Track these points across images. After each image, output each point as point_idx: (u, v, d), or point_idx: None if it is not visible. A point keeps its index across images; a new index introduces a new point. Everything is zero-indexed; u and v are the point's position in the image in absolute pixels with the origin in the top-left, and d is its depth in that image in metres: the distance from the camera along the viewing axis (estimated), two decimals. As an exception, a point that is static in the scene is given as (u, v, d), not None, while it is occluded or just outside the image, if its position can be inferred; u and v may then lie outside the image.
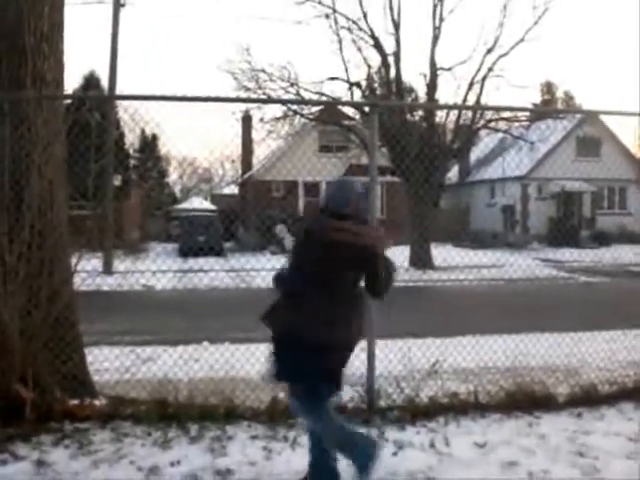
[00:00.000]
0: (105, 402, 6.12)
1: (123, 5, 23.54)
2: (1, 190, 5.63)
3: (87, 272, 6.61)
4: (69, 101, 7.43)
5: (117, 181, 23.63)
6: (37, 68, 5.98)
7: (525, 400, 6.43)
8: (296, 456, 5.18)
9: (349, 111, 28.05)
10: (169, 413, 5.94)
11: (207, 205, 47.99)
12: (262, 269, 18.55)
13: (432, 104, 24.15)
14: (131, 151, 39.64)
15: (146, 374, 7.05)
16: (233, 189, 50.79)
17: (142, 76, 59.32)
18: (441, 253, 21.81)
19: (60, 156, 6.11)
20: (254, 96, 24.61)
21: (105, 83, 25.71)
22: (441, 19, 24.51)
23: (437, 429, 5.85)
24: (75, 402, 5.95)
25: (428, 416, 6.11)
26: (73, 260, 6.19)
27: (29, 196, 5.69)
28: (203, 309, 12.84)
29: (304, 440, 5.43)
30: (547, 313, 10.49)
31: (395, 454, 5.29)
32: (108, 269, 20.31)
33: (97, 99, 18.97)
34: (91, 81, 33.02)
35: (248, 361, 7.28)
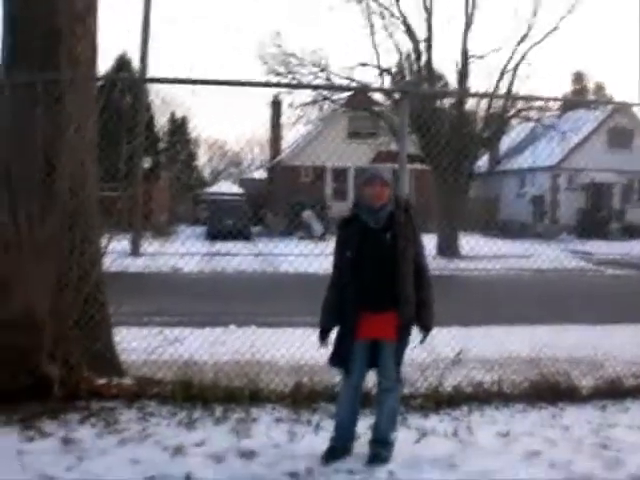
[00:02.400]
0: (132, 382, 6.20)
1: (156, -13, 23.60)
2: (34, 170, 5.69)
3: (116, 253, 6.65)
4: (101, 83, 7.48)
5: (147, 163, 23.77)
6: (70, 49, 6.04)
7: (549, 391, 6.43)
8: (319, 439, 5.22)
9: (379, 97, 27.96)
10: (194, 394, 6.01)
11: (235, 189, 48.10)
12: (289, 254, 18.63)
13: (463, 92, 24.00)
14: (161, 134, 39.84)
15: (173, 355, 7.11)
16: (262, 173, 50.81)
17: (174, 59, 59.44)
18: (469, 242, 21.67)
19: (92, 137, 6.17)
20: (284, 81, 24.62)
21: (137, 65, 25.84)
22: (474, 6, 24.35)
23: (460, 418, 5.87)
24: (102, 381, 6.04)
25: (452, 405, 6.14)
26: (103, 241, 6.25)
27: (61, 176, 5.76)
28: (230, 292, 12.90)
29: (327, 424, 5.49)
30: (574, 305, 10.40)
31: (418, 441, 5.32)
32: (136, 251, 20.45)
33: (129, 81, 19.09)
34: (123, 63, 33.18)
35: (274, 345, 7.33)
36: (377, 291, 4.71)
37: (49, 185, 5.74)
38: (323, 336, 4.90)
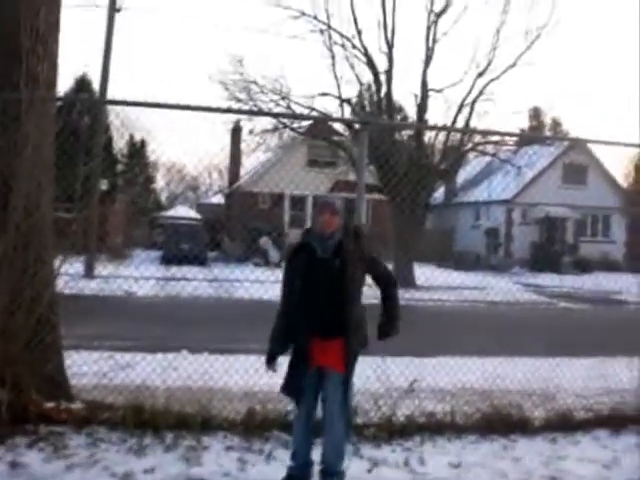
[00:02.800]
0: (82, 406, 6.09)
1: (118, 10, 23.54)
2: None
3: (70, 275, 6.57)
4: (60, 103, 7.42)
5: (104, 185, 23.55)
6: (31, 69, 5.98)
7: (501, 423, 6.48)
8: (270, 469, 5.20)
9: (339, 127, 28.18)
10: (145, 420, 5.93)
11: (193, 214, 47.88)
12: (245, 280, 18.54)
13: (422, 125, 24.27)
14: (119, 156, 39.53)
15: (124, 380, 7.03)
16: (219, 199, 50.70)
17: (133, 82, 59.21)
18: (424, 273, 21.84)
19: (49, 158, 6.11)
20: (245, 107, 24.67)
21: (96, 86, 25.68)
22: (434, 40, 24.72)
23: (413, 448, 5.88)
24: (52, 405, 5.92)
25: (404, 435, 6.14)
26: (57, 262, 6.17)
27: (16, 196, 5.68)
28: (184, 318, 12.80)
29: (279, 453, 5.46)
30: (526, 337, 10.53)
31: (370, 471, 5.32)
32: (90, 273, 20.21)
33: (88, 102, 18.96)
34: (82, 84, 32.91)
35: (227, 372, 7.27)
36: (325, 319, 4.72)
37: (3, 205, 5.66)
38: (270, 361, 4.91)
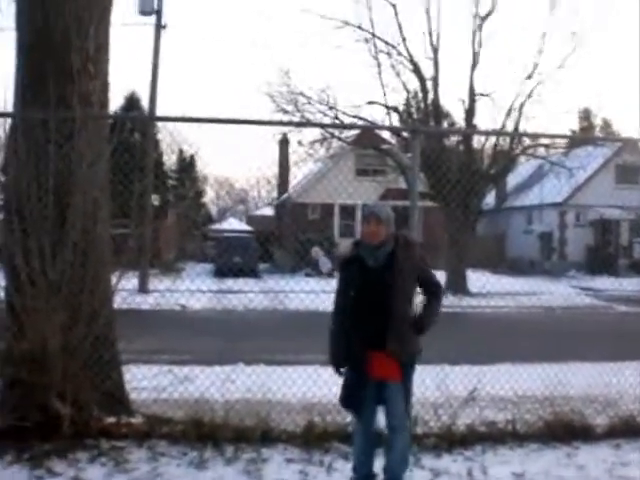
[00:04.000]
0: (142, 421, 6.14)
1: (164, 27, 23.89)
2: (45, 208, 5.70)
3: (126, 291, 6.65)
4: (111, 121, 7.53)
5: (156, 201, 23.84)
6: (83, 88, 6.08)
7: (563, 430, 6.34)
8: (332, 480, 5.15)
9: (386, 135, 28.11)
10: (205, 433, 5.95)
11: (243, 226, 48.24)
12: (297, 291, 18.58)
13: (471, 130, 24.10)
14: (169, 172, 40.04)
15: (183, 394, 7.06)
16: (269, 211, 50.99)
17: (182, 97, 60.04)
18: (479, 279, 21.63)
19: (104, 175, 6.19)
20: (292, 119, 24.78)
21: (145, 104, 26.06)
22: (480, 45, 24.54)
23: (474, 458, 5.79)
24: (112, 420, 5.98)
25: (465, 444, 6.05)
26: (114, 279, 6.24)
27: (73, 214, 5.76)
28: (238, 330, 12.87)
29: (340, 465, 5.43)
30: (586, 342, 10.33)
31: (432, 482, 5.25)
32: (144, 288, 20.46)
33: (139, 120, 19.23)
34: (132, 102, 33.46)
35: (285, 383, 7.27)
36: (378, 330, 4.65)
37: (61, 223, 5.74)
38: (339, 372, 4.87)
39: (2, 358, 5.72)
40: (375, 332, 4.65)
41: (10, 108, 6.25)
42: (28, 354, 5.59)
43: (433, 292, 4.91)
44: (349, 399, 4.77)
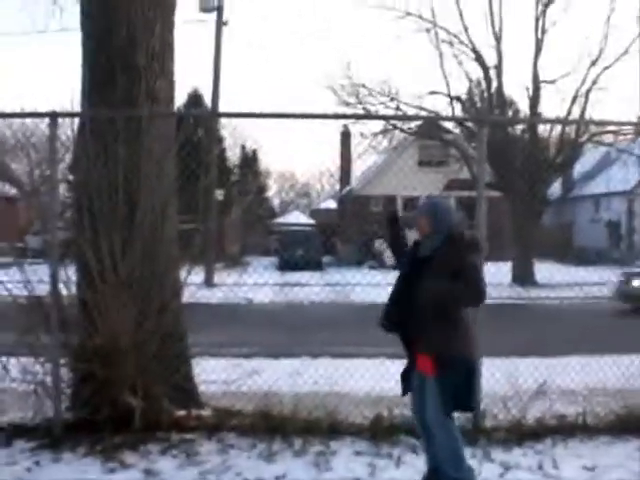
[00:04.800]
0: (211, 413, 6.23)
1: (225, 24, 24.09)
2: (115, 205, 5.81)
3: (193, 285, 6.73)
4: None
5: (220, 196, 24.12)
6: (149, 86, 6.18)
7: (635, 423, 6.20)
8: (400, 473, 5.15)
9: (449, 125, 27.83)
10: (274, 426, 6.00)
11: (306, 219, 48.42)
12: (360, 284, 18.56)
13: (537, 118, 23.70)
14: (233, 167, 40.46)
15: (251, 387, 7.14)
16: (331, 204, 51.04)
17: (244, 92, 60.46)
18: (546, 269, 21.30)
19: (171, 172, 6.27)
20: (354, 111, 24.73)
21: (208, 100, 26.32)
22: (543, 31, 24.07)
23: (544, 451, 5.70)
24: (182, 413, 6.08)
25: (535, 438, 5.97)
26: (182, 273, 6.33)
27: (142, 211, 5.86)
28: (303, 322, 12.92)
29: (408, 458, 5.41)
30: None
31: (502, 476, 5.20)
32: (210, 282, 20.73)
33: (204, 116, 19.40)
34: (195, 98, 33.86)
35: (352, 377, 7.28)
36: (413, 319, 4.61)
37: (130, 219, 5.84)
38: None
39: (75, 353, 5.85)
40: (412, 321, 4.62)
41: (78, 108, 6.38)
42: (100, 349, 5.71)
43: (470, 296, 4.53)
44: (402, 377, 4.81)
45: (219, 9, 23.75)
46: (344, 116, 17.30)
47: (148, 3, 6.18)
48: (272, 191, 59.09)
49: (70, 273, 5.95)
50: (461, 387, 4.54)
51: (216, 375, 7.18)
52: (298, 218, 48.72)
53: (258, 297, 17.99)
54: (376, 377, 7.02)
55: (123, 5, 6.10)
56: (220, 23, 23.90)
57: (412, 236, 4.87)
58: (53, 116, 5.84)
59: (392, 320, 4.68)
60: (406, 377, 4.78)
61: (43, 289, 5.87)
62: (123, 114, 5.93)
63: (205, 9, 23.61)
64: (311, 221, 46.83)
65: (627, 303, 16.09)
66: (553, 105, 40.35)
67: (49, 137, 5.87)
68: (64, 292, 5.90)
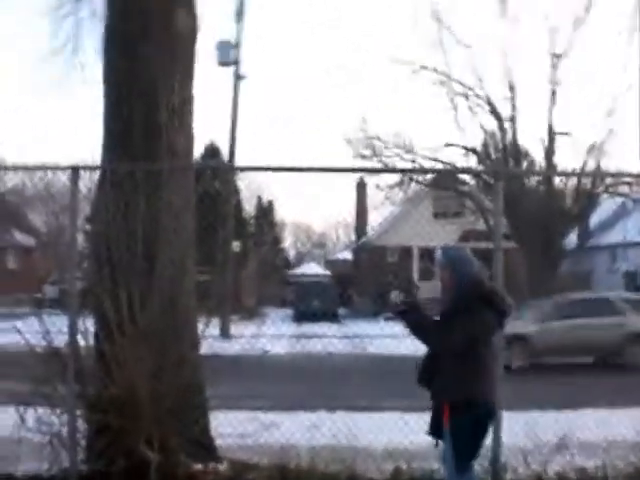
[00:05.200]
0: (228, 467, 6.16)
1: (243, 77, 24.46)
2: (134, 257, 5.85)
3: (212, 337, 6.73)
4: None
5: (237, 248, 24.20)
6: (169, 141, 6.26)
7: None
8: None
9: (464, 177, 27.96)
10: (291, 479, 5.93)
11: (321, 270, 48.45)
12: (377, 335, 18.48)
13: (553, 171, 23.77)
14: (249, 218, 40.70)
15: (268, 440, 7.08)
16: (347, 254, 51.09)
17: (260, 144, 61.19)
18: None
19: (190, 224, 6.32)
20: (370, 163, 24.93)
21: (225, 152, 26.58)
22: (558, 83, 24.27)
23: (565, 506, 5.60)
24: (199, 466, 6.01)
25: (556, 492, 5.87)
26: (200, 325, 6.33)
27: (161, 263, 5.90)
28: (319, 374, 12.85)
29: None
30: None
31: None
32: (226, 333, 20.68)
33: (222, 169, 19.48)
34: (212, 150, 34.19)
35: (370, 430, 7.20)
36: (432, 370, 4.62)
37: (149, 271, 5.88)
38: None
39: (91, 404, 5.84)
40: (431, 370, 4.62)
41: (98, 160, 6.48)
42: (116, 400, 5.69)
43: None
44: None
45: (237, 63, 24.15)
46: (361, 170, 17.49)
47: (169, 58, 6.30)
48: (287, 242, 59.32)
49: (88, 324, 5.97)
50: (475, 436, 4.51)
51: (232, 428, 7.13)
52: (314, 269, 48.76)
53: (274, 348, 17.92)
54: (394, 430, 6.94)
55: (145, 60, 6.22)
56: (238, 77, 24.27)
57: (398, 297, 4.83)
58: (75, 169, 5.92)
59: (426, 376, 4.66)
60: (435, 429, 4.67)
61: (60, 339, 5.88)
62: (143, 168, 6.01)
63: (223, 63, 23.99)
64: (327, 272, 46.83)
65: None
66: (568, 155, 40.36)
67: (70, 190, 5.95)
68: (82, 343, 5.90)
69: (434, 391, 4.59)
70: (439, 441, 4.65)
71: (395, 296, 4.84)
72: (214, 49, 23.62)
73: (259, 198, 45.76)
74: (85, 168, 6.14)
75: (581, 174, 25.12)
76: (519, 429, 6.83)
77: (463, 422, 4.45)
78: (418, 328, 4.57)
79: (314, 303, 28.64)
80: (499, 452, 5.91)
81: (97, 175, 6.39)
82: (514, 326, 13.32)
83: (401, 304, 4.71)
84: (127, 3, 6.33)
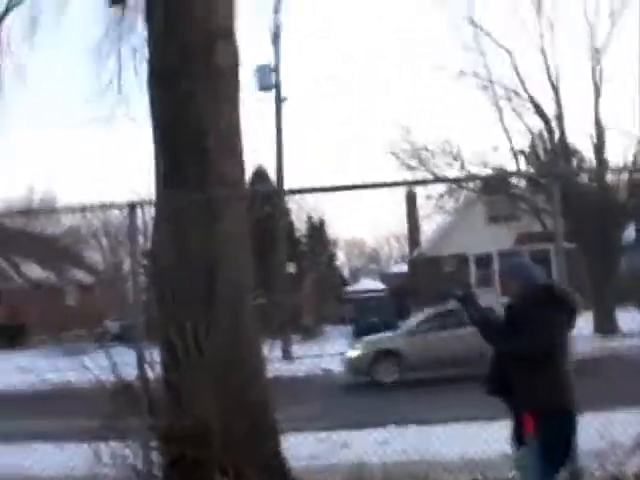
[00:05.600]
0: (303, 489, 6.16)
1: (284, 100, 24.64)
2: (197, 284, 5.93)
3: (276, 359, 6.77)
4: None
5: (291, 269, 24.31)
6: (220, 169, 6.32)
7: None
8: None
9: (514, 179, 27.64)
10: (366, 498, 5.92)
11: (377, 285, 48.31)
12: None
13: (606, 168, 23.36)
14: (301, 239, 40.85)
15: (340, 459, 7.07)
16: (403, 267, 50.86)
17: (306, 164, 61.57)
18: (634, 318, 20.70)
19: (247, 250, 6.38)
20: (417, 173, 24.82)
21: (271, 174, 26.75)
22: (601, 77, 23.90)
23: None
24: (274, 491, 6.02)
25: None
26: (264, 348, 6.37)
27: (221, 291, 5.97)
28: (383, 392, 12.81)
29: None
30: None
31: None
32: (288, 355, 20.73)
33: (273, 194, 19.55)
34: (260, 175, 34.40)
35: (443, 443, 7.15)
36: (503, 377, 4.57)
37: (211, 297, 5.96)
38: None
39: (164, 436, 5.89)
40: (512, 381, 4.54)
41: (153, 194, 6.57)
42: (190, 431, 5.74)
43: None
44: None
45: (277, 87, 24.34)
46: (407, 183, 17.35)
47: (215, 87, 6.37)
48: (340, 259, 59.32)
49: (154, 356, 6.05)
50: (563, 445, 4.43)
51: (304, 449, 7.14)
52: (370, 285, 48.67)
53: (336, 367, 17.88)
54: (466, 441, 6.88)
55: (190, 92, 6.30)
56: (279, 100, 24.46)
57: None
58: (132, 206, 6.03)
59: (497, 385, 4.62)
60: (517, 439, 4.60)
61: (127, 373, 5.96)
62: (197, 199, 6.09)
63: (263, 88, 24.18)
64: (382, 286, 46.67)
65: None
66: (619, 148, 39.59)
67: (128, 226, 6.06)
68: (149, 374, 5.99)
69: (518, 400, 4.52)
70: (518, 448, 4.60)
71: (453, 306, 4.88)
72: (252, 74, 23.78)
73: (309, 217, 45.89)
74: (141, 204, 6.24)
75: (633, 169, 24.65)
76: (593, 431, 6.70)
77: (555, 428, 4.39)
78: (489, 329, 4.57)
79: (372, 318, 28.57)
80: (576, 456, 5.79)
81: (152, 210, 6.50)
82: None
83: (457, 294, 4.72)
84: (167, 40, 6.43)
